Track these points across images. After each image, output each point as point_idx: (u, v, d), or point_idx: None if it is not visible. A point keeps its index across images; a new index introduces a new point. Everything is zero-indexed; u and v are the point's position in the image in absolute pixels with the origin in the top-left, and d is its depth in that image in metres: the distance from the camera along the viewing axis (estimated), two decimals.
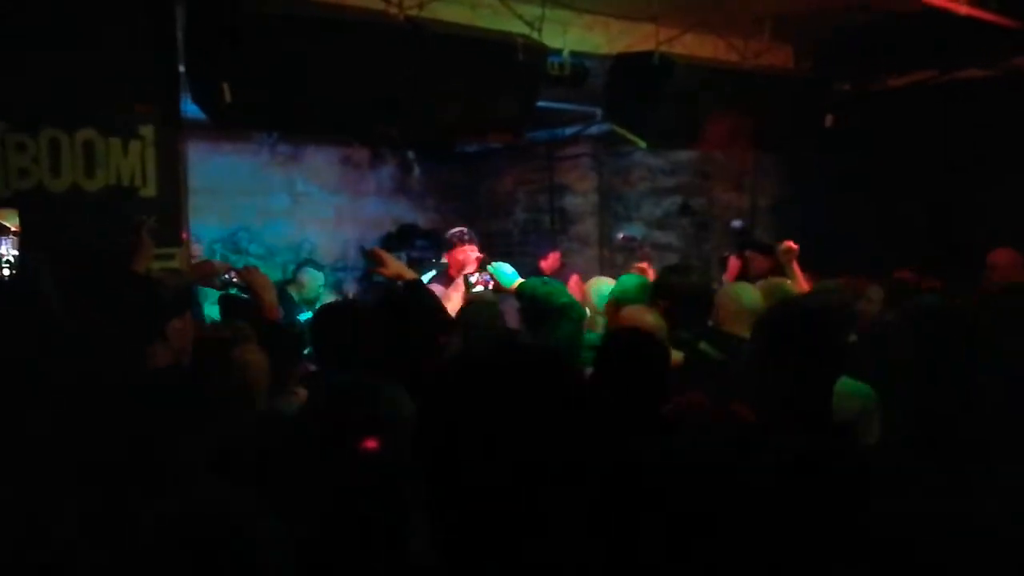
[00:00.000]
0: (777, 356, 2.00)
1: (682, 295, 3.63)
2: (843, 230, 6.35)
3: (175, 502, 1.52)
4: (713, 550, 1.68)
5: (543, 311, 3.47)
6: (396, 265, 3.55)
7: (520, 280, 3.77)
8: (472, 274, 4.09)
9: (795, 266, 4.65)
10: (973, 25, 5.05)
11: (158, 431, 1.58)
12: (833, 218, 6.66)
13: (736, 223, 6.60)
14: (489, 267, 3.88)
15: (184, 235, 4.15)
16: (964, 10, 4.82)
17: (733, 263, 5.39)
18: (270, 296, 3.22)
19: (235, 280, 3.33)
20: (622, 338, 2.76)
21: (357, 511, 1.90)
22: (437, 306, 3.35)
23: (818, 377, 1.96)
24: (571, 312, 3.49)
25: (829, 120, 6.13)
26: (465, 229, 5.10)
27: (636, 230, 8.10)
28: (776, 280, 4.32)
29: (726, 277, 5.33)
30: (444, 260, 5.18)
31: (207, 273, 3.57)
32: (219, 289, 3.55)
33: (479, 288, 3.98)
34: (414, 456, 1.17)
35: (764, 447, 1.89)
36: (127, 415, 1.56)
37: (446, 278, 4.68)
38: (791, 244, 4.68)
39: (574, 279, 6.38)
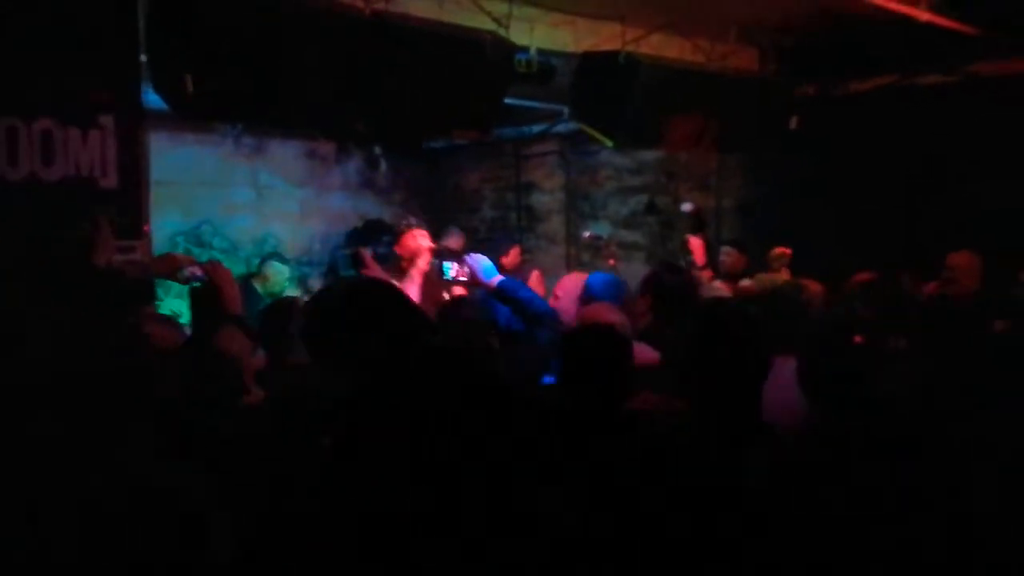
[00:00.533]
0: (705, 355, 2.03)
1: (670, 292, 3.68)
2: (805, 232, 6.43)
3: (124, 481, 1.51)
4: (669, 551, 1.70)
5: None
6: (378, 270, 3.55)
7: (498, 277, 3.69)
8: (451, 265, 4.01)
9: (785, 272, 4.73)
10: (934, 32, 5.13)
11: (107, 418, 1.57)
12: (796, 220, 6.74)
13: (686, 206, 6.63)
14: (467, 258, 3.83)
15: (146, 227, 4.09)
16: (925, 16, 4.90)
17: (695, 243, 5.34)
18: (233, 290, 3.19)
19: (198, 274, 3.29)
20: (583, 334, 2.77)
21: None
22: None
23: (743, 377, 1.99)
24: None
25: (794, 122, 6.20)
26: (413, 218, 5.05)
27: (602, 228, 8.14)
28: (769, 276, 4.39)
29: (695, 259, 5.30)
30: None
31: (170, 266, 3.52)
32: (182, 283, 3.50)
33: (453, 275, 3.93)
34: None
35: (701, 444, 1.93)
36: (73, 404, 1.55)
37: (397, 270, 4.56)
38: (784, 250, 4.75)
39: (535, 275, 6.41)
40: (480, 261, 3.72)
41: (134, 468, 1.56)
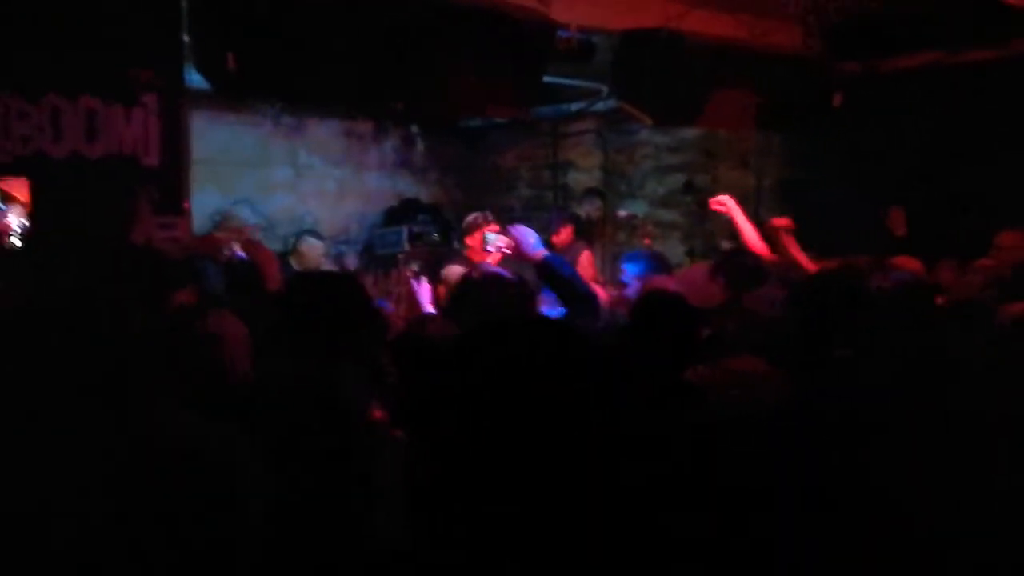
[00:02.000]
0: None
1: (743, 274, 3.65)
2: (846, 213, 6.33)
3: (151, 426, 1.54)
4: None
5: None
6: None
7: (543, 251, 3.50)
8: (494, 235, 3.95)
9: (792, 245, 4.56)
10: (982, 6, 4.99)
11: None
12: (836, 200, 6.63)
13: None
14: (512, 229, 3.65)
15: (186, 204, 4.13)
16: None
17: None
18: (273, 269, 3.22)
19: (239, 254, 3.33)
20: (652, 299, 2.75)
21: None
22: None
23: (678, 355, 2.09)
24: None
25: (837, 100, 6.09)
26: (486, 213, 5.10)
27: (639, 208, 8.08)
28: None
29: None
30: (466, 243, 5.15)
31: (212, 246, 3.56)
32: (223, 262, 3.54)
33: (496, 249, 3.87)
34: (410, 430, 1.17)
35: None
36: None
37: (467, 262, 4.63)
38: (781, 221, 4.62)
39: (585, 255, 6.34)
40: (526, 233, 3.55)
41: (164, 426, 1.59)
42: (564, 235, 6.63)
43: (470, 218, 5.21)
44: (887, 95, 6.37)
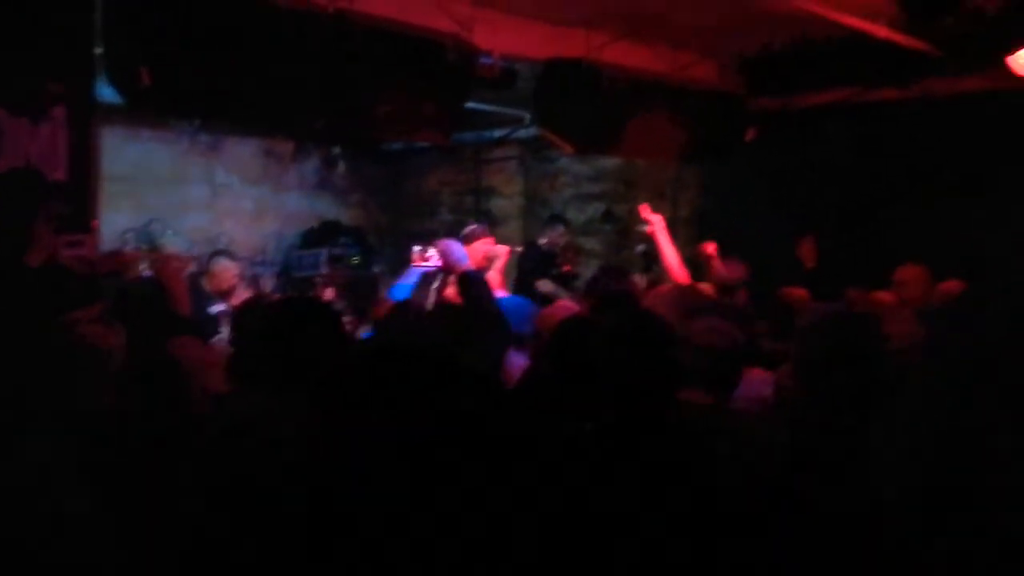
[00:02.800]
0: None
1: (608, 296, 3.65)
2: (763, 243, 6.52)
3: None
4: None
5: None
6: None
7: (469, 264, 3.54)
8: (418, 248, 3.91)
9: (716, 264, 4.75)
10: (890, 48, 5.22)
11: None
12: (750, 232, 6.82)
13: (639, 248, 6.91)
14: (440, 242, 3.67)
15: (94, 222, 3.99)
16: (883, 33, 4.98)
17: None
18: (180, 288, 3.10)
19: (145, 272, 3.21)
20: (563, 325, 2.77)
21: None
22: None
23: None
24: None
25: (751, 134, 6.28)
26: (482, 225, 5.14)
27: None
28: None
29: None
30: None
31: (117, 263, 3.42)
32: (130, 280, 3.41)
33: (421, 261, 3.83)
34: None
35: None
36: None
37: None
38: (709, 246, 4.77)
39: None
40: (453, 246, 3.60)
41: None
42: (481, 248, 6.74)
43: (468, 229, 5.25)
44: (799, 130, 6.60)
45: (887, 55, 5.38)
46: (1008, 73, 5.23)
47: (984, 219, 5.71)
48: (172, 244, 7.25)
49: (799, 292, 4.75)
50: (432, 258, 3.73)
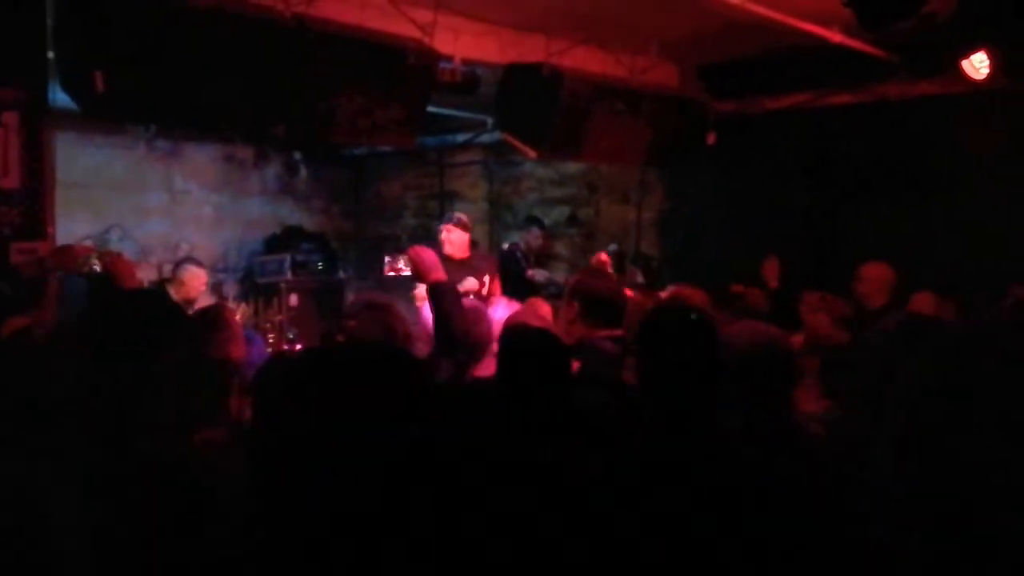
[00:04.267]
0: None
1: (595, 298, 3.55)
2: (726, 245, 6.58)
3: None
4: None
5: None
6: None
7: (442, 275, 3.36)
8: (390, 258, 3.79)
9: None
10: (845, 53, 5.30)
11: None
12: (712, 233, 6.88)
13: (611, 247, 6.93)
14: (411, 250, 3.45)
15: (50, 229, 3.93)
16: (837, 39, 5.06)
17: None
18: (133, 284, 3.03)
19: (97, 268, 3.11)
20: (512, 331, 2.73)
21: None
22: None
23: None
24: None
25: (711, 138, 6.33)
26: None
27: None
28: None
29: None
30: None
31: (68, 260, 3.30)
32: (80, 275, 3.31)
33: (392, 270, 3.75)
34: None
35: None
36: None
37: None
38: (600, 256, 4.81)
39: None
40: (426, 254, 3.38)
41: None
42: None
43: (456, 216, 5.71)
44: (757, 135, 6.67)
45: (842, 60, 5.46)
46: (961, 77, 5.34)
47: (940, 221, 5.82)
48: (124, 251, 7.16)
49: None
50: (403, 267, 3.60)
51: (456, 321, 3.11)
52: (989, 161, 5.59)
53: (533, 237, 7.59)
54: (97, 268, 3.10)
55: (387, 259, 3.75)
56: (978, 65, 5.28)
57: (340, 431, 1.10)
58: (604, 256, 4.92)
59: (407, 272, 3.54)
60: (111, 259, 3.12)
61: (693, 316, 2.28)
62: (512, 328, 2.83)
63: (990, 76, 5.26)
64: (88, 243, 6.78)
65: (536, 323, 3.23)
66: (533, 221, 7.76)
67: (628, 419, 2.32)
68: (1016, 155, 5.50)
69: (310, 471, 1.11)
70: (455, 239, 5.99)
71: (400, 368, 1.20)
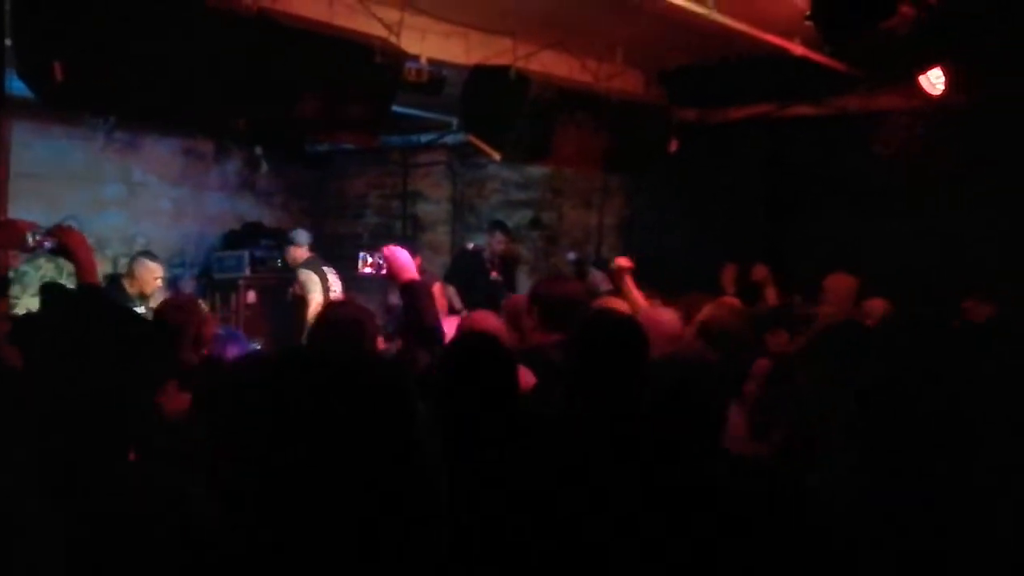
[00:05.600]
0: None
1: (554, 302, 3.52)
2: (686, 251, 6.65)
3: None
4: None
5: None
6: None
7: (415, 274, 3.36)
8: (364, 256, 3.75)
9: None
10: (806, 66, 5.39)
11: None
12: (677, 239, 6.95)
13: (570, 255, 6.94)
14: (386, 249, 3.42)
15: (2, 220, 3.84)
16: (799, 51, 5.14)
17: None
18: (88, 256, 2.89)
19: (46, 243, 2.96)
20: (459, 344, 2.72)
21: None
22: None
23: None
24: None
25: (674, 145, 6.39)
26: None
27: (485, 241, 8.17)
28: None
29: None
30: None
31: (12, 235, 3.13)
32: (28, 251, 3.17)
33: (368, 271, 3.72)
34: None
35: None
36: None
37: None
38: (623, 261, 4.73)
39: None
40: (399, 253, 3.37)
41: None
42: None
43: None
44: (719, 142, 6.75)
45: (802, 73, 5.55)
46: (919, 91, 5.45)
47: (898, 229, 5.93)
48: None
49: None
50: (377, 266, 3.57)
51: (429, 316, 3.18)
52: (946, 172, 5.73)
53: (496, 242, 7.58)
54: (48, 245, 2.96)
55: (361, 257, 3.71)
56: (935, 80, 5.41)
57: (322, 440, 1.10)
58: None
59: (382, 271, 3.52)
60: (63, 231, 2.95)
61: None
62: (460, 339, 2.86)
63: (946, 91, 5.38)
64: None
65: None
66: (497, 225, 7.75)
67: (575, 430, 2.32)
68: (972, 166, 5.64)
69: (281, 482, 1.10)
70: None
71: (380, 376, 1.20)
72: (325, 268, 6.76)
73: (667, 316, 3.95)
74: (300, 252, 6.90)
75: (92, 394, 1.71)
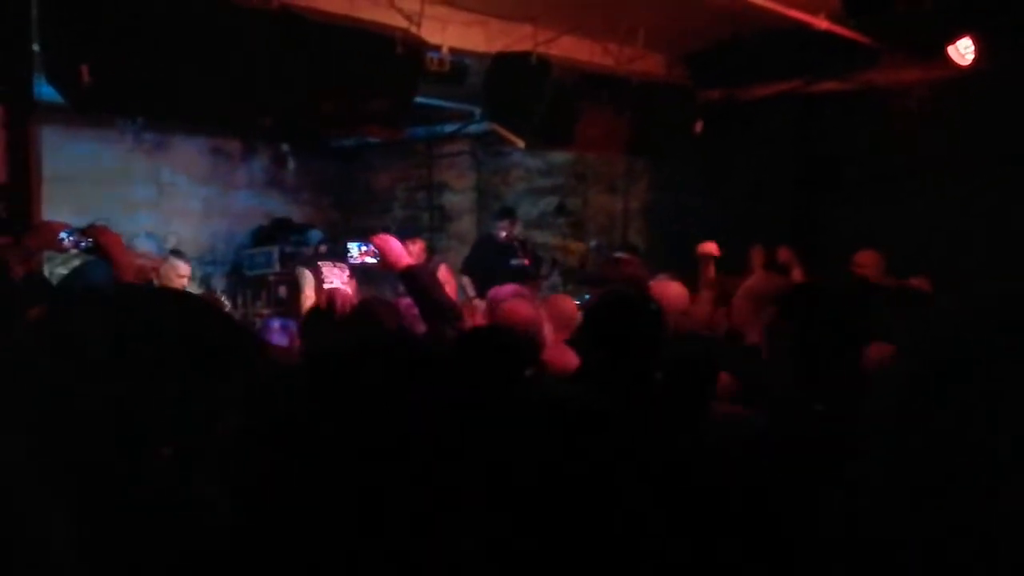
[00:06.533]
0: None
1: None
2: (706, 234, 6.59)
3: None
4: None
5: None
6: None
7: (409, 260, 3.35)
8: (357, 245, 3.77)
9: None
10: (832, 41, 5.32)
11: None
12: (703, 222, 6.89)
13: (593, 243, 6.90)
14: (377, 238, 3.40)
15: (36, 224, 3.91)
16: (824, 25, 5.08)
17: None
18: (124, 257, 2.93)
19: (81, 242, 3.00)
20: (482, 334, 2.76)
21: None
22: None
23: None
24: None
25: (699, 126, 6.34)
26: None
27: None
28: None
29: None
30: None
31: (48, 236, 3.19)
32: (62, 252, 3.23)
33: (359, 257, 3.72)
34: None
35: None
36: None
37: None
38: (710, 247, 4.84)
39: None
40: (390, 242, 3.33)
41: None
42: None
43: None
44: (744, 123, 6.68)
45: (828, 48, 5.48)
46: (947, 62, 5.36)
47: (923, 208, 5.85)
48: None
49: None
50: (371, 255, 3.58)
51: (437, 293, 3.17)
52: (976, 146, 5.63)
53: (501, 228, 7.52)
54: (84, 245, 2.99)
55: (349, 247, 3.71)
56: (963, 51, 5.31)
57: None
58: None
59: (374, 260, 3.52)
60: (98, 231, 2.99)
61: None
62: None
63: (975, 61, 5.29)
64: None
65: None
66: (502, 213, 7.72)
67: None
68: (1002, 140, 5.54)
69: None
70: None
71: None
72: (323, 263, 6.80)
73: (675, 289, 4.06)
74: (310, 251, 7.12)
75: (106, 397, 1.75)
